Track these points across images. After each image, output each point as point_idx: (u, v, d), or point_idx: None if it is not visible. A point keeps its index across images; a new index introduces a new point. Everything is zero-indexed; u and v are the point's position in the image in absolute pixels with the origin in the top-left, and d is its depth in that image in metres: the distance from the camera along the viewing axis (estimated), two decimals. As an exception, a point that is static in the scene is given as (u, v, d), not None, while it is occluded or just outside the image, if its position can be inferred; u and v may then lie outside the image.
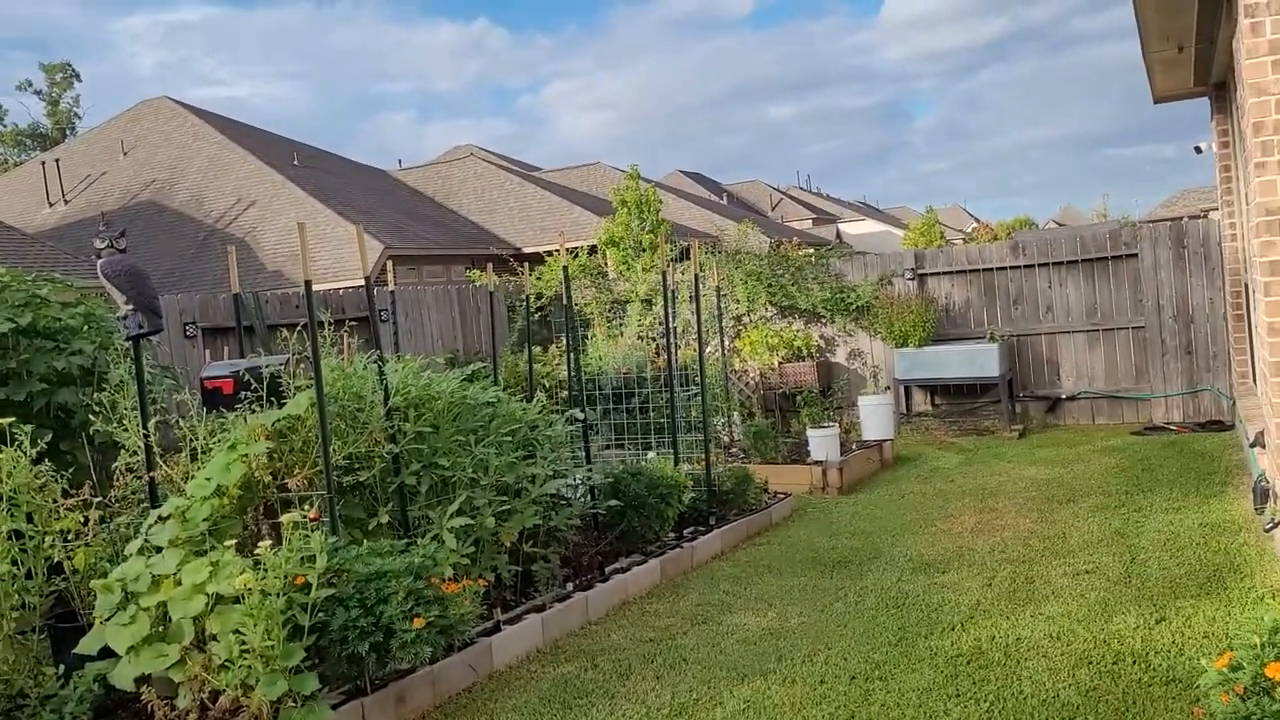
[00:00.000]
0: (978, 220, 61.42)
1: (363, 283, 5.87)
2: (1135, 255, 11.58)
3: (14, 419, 4.93)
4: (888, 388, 12.22)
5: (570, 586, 6.13)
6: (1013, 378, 11.98)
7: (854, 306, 12.69)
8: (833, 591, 6.21)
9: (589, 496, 6.75)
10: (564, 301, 7.67)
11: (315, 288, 5.65)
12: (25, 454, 4.80)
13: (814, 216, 50.02)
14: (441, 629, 4.68)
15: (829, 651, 5.16)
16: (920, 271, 12.52)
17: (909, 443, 11.39)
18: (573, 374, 7.59)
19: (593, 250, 18.15)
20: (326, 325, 6.41)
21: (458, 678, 5.01)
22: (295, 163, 28.21)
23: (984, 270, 12.27)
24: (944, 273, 12.47)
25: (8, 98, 77.88)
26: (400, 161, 41.93)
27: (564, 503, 6.43)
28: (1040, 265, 12.03)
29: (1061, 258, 11.92)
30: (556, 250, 18.37)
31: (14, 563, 4.66)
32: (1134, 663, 4.66)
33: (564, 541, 6.35)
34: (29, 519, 4.75)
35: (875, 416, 10.79)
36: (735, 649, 5.31)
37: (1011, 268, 12.16)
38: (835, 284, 12.84)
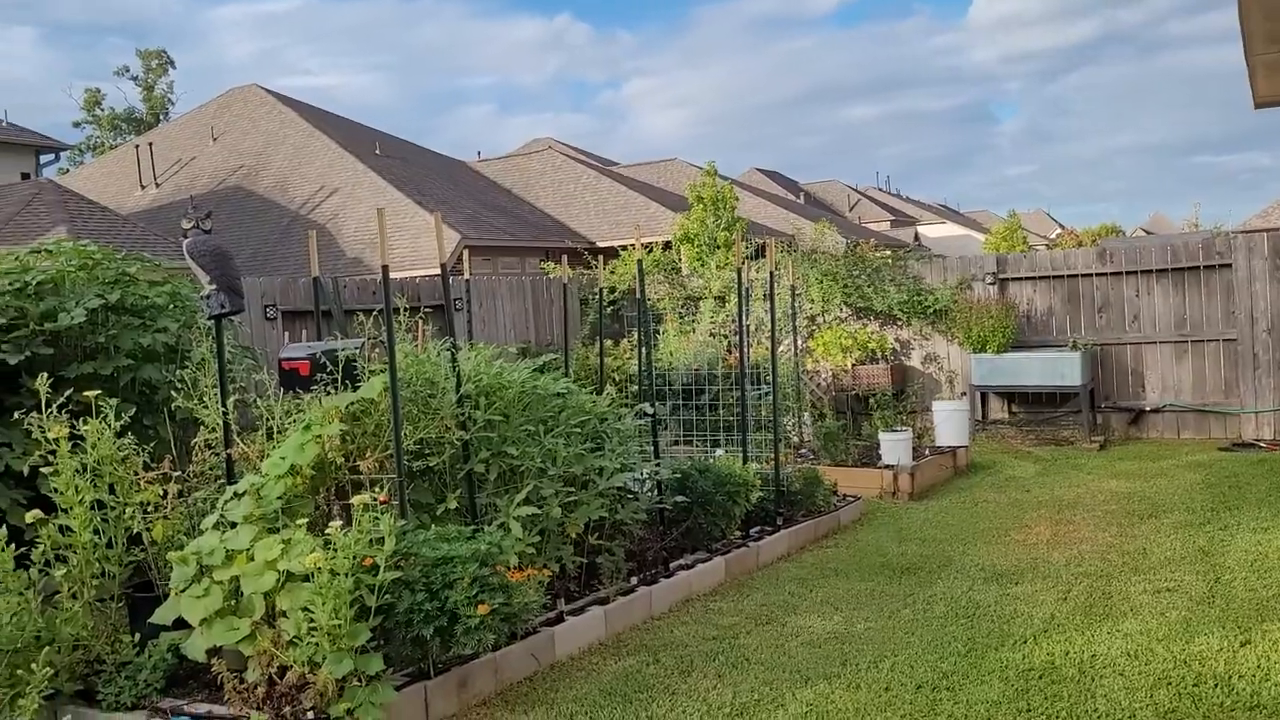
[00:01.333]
0: (1062, 226, 60.03)
1: (438, 271, 5.91)
2: (1228, 265, 11.17)
3: (100, 392, 5.06)
4: (964, 393, 11.98)
5: (634, 580, 6.11)
6: (1094, 388, 11.65)
7: (931, 310, 12.46)
8: (901, 598, 6.09)
9: (656, 491, 6.72)
10: (637, 296, 7.65)
11: (392, 275, 5.70)
12: (110, 427, 4.93)
13: (892, 218, 49.35)
14: (505, 617, 4.69)
15: (895, 659, 5.06)
16: (1002, 276, 12.25)
17: (984, 450, 11.15)
18: (644, 368, 7.56)
19: (667, 246, 18.11)
20: (402, 312, 6.48)
21: (519, 666, 5.02)
22: (377, 152, 28.67)
23: (1069, 276, 11.96)
24: (1026, 278, 12.18)
25: (106, 83, 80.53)
26: (479, 153, 42.34)
27: (630, 496, 6.41)
28: (1128, 273, 11.68)
29: (1151, 266, 11.56)
30: (631, 245, 18.33)
31: (96, 532, 4.79)
32: (1216, 685, 4.49)
33: (629, 535, 6.33)
34: (111, 490, 4.89)
35: (950, 422, 10.59)
36: (799, 651, 5.24)
37: (1098, 275, 11.82)
38: (913, 286, 12.62)
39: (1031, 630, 5.36)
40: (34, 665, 3.65)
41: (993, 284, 12.24)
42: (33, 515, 4.65)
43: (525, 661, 5.06)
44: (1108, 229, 47.34)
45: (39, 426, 4.80)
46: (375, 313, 5.65)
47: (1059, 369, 11.21)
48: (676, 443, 9.29)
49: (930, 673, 4.85)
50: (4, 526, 4.58)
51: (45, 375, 5.00)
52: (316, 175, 26.80)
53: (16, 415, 5.10)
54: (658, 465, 6.74)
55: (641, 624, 5.80)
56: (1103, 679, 4.67)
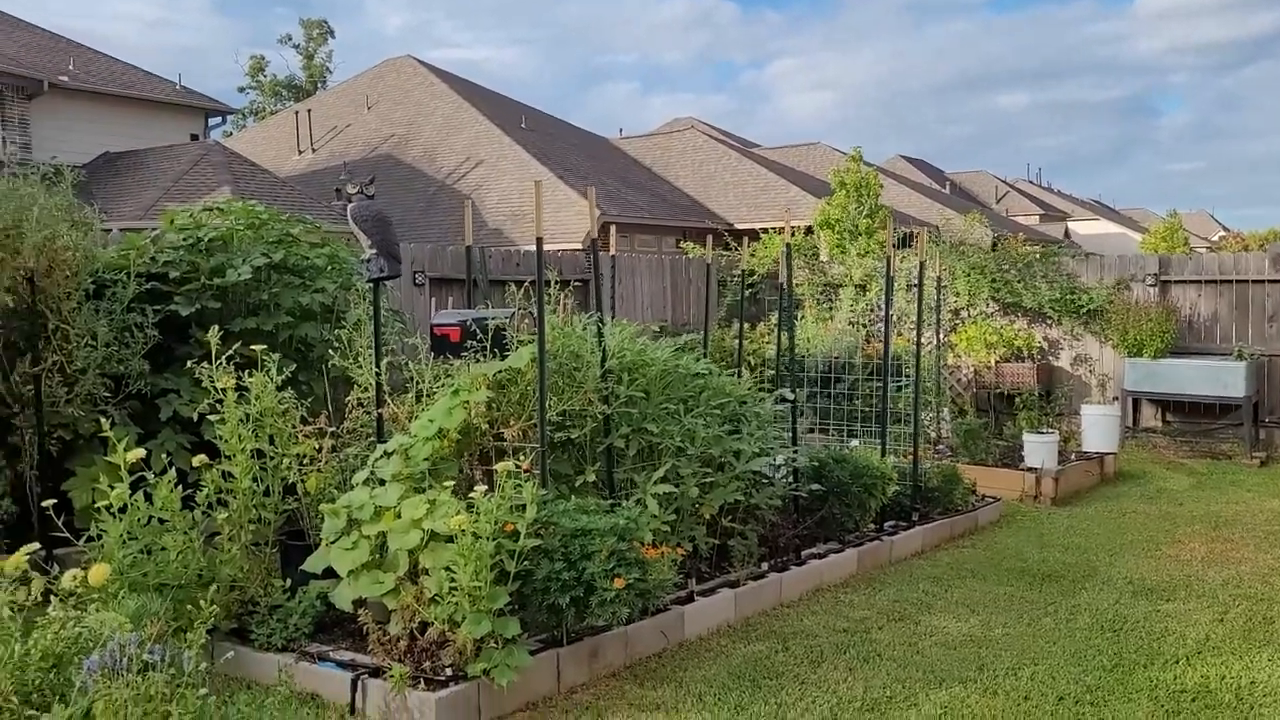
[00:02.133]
0: (1226, 229, 56.71)
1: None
2: None
3: (265, 347, 5.29)
4: (1115, 398, 11.47)
5: (765, 566, 6.07)
6: (1259, 401, 10.99)
7: (1085, 309, 11.93)
8: (1041, 605, 5.88)
9: (791, 478, 6.64)
10: (780, 280, 7.56)
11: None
12: (272, 380, 5.14)
13: (1041, 212, 47.48)
14: (640, 592, 4.71)
15: (1035, 667, 4.89)
16: (1163, 278, 11.64)
17: (1133, 459, 10.65)
18: (783, 354, 7.48)
19: (808, 231, 17.87)
20: (553, 284, 6.55)
21: (649, 641, 5.05)
22: (523, 125, 29.10)
23: (1237, 281, 11.28)
24: (1190, 281, 11.55)
25: (270, 50, 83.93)
26: (621, 130, 42.65)
27: (765, 481, 6.36)
28: (1304, 281, 10.94)
29: (1331, 274, 10.81)
30: (770, 228, 18.15)
31: (254, 479, 5.02)
32: (1392, 729, 4.18)
33: (762, 520, 6.28)
34: (270, 441, 5.11)
35: (1099, 427, 10.14)
36: (933, 651, 5.12)
37: (1270, 281, 11.12)
38: (1066, 284, 12.11)
39: (1184, 650, 5.11)
40: (201, 601, 3.86)
41: (1153, 285, 11.65)
42: (199, 460, 4.90)
43: (655, 638, 5.09)
44: (1277, 234, 44.47)
45: (209, 377, 5.04)
46: (526, 284, 5.72)
47: (1221, 378, 10.60)
48: (811, 430, 9.19)
49: (1073, 685, 4.67)
50: (173, 469, 4.83)
51: (216, 328, 5.25)
52: (463, 147, 27.39)
53: (188, 365, 5.39)
54: (795, 452, 6.66)
55: (771, 610, 5.76)
56: (1263, 707, 4.41)
